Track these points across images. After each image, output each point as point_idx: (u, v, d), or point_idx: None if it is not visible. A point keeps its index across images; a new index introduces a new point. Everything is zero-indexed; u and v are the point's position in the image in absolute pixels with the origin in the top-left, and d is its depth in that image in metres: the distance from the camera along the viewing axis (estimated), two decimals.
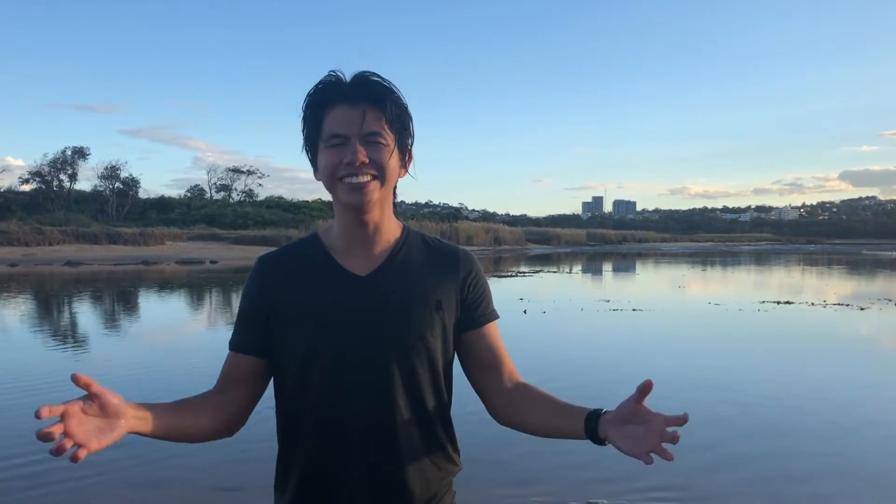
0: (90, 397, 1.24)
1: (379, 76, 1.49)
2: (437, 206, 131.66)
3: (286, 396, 1.55)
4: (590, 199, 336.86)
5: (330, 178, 1.47)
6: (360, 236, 1.53)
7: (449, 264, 1.59)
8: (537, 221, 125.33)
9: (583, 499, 4.62)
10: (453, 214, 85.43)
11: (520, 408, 1.58)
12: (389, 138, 1.47)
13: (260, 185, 78.01)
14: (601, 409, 1.42)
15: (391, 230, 1.57)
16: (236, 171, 76.57)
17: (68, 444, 1.17)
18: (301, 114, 1.51)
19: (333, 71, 1.48)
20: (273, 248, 1.71)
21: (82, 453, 1.18)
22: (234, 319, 1.62)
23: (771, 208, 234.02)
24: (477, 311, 1.60)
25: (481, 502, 4.56)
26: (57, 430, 1.16)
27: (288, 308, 1.52)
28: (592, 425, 1.41)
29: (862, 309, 16.09)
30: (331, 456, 1.49)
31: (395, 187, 1.55)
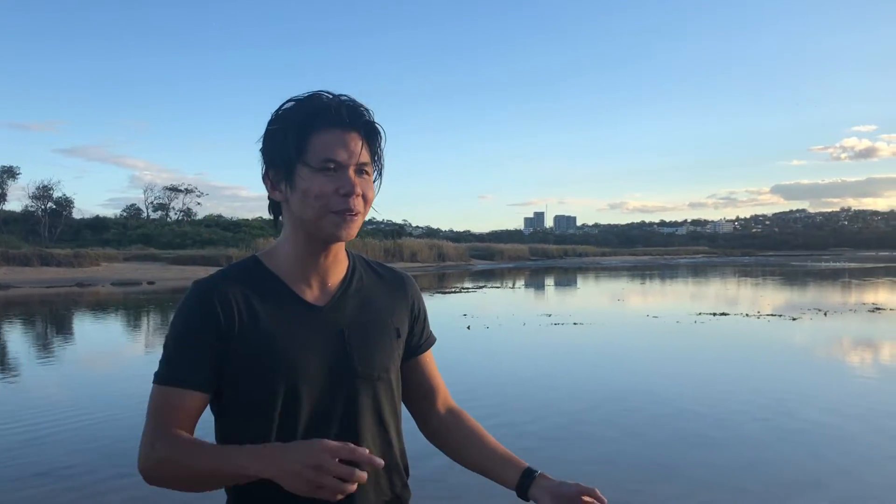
0: None
1: (358, 102, 1.40)
2: (381, 222, 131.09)
3: (240, 434, 1.38)
4: (531, 215, 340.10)
5: (323, 206, 1.35)
6: (322, 265, 1.45)
7: (398, 289, 1.57)
8: (481, 237, 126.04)
9: None
10: (397, 231, 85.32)
11: (453, 437, 1.62)
12: (371, 169, 1.41)
13: (199, 203, 76.91)
14: (536, 471, 1.50)
15: (343, 257, 1.51)
16: (174, 189, 75.19)
17: None
18: (271, 126, 1.39)
19: (322, 91, 1.39)
20: (210, 271, 1.52)
21: None
22: (166, 349, 1.41)
23: (706, 222, 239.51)
24: (422, 336, 1.61)
25: None
26: None
27: (242, 340, 1.38)
28: (526, 484, 1.49)
29: (794, 319, 16.60)
30: (294, 500, 1.29)
31: None
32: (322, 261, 1.45)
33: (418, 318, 1.59)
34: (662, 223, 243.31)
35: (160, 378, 1.39)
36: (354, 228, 1.39)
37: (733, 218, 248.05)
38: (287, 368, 1.38)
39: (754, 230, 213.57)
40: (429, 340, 1.64)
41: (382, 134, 1.43)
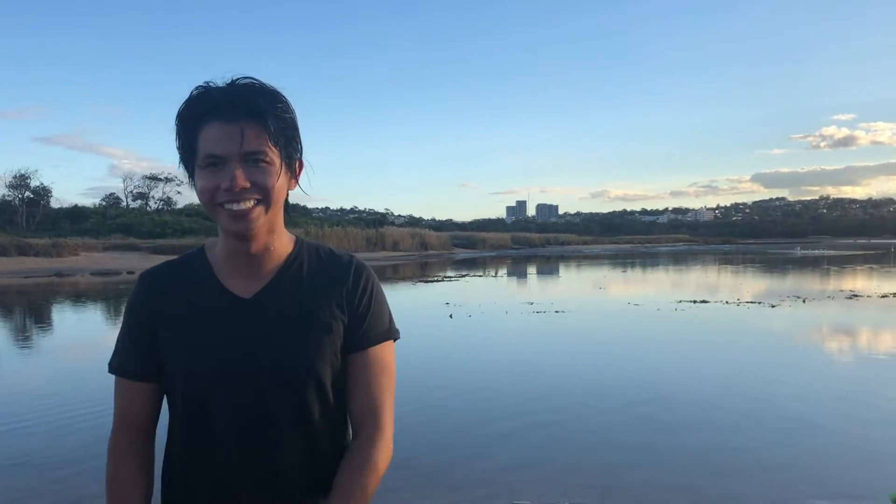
0: None
1: (258, 82, 1.33)
2: (363, 211, 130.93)
3: (171, 423, 1.45)
4: (514, 204, 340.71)
5: (209, 203, 1.33)
6: (246, 260, 1.40)
7: (339, 280, 1.43)
8: (463, 226, 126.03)
9: (507, 500, 4.68)
10: (379, 220, 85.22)
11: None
12: (274, 156, 1.32)
13: (179, 192, 76.01)
14: None
15: (282, 247, 1.43)
16: (154, 178, 74.50)
17: None
18: (174, 129, 1.36)
19: (207, 81, 1.34)
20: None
21: None
22: (117, 340, 1.49)
23: (687, 210, 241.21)
24: (359, 332, 1.43)
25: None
26: None
27: (167, 329, 1.41)
28: None
29: (773, 306, 16.77)
30: (193, 482, 1.41)
31: (286, 201, 1.42)
32: (245, 252, 1.39)
33: (357, 311, 1.42)
34: (644, 211, 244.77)
35: (109, 368, 1.48)
36: (251, 222, 1.32)
37: (714, 206, 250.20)
38: (196, 358, 1.38)
39: (734, 218, 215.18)
40: (366, 339, 1.43)
41: (278, 115, 1.33)
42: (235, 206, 1.31)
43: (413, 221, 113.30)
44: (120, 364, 1.46)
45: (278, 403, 1.37)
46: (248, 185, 1.30)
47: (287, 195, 1.41)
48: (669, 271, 37.18)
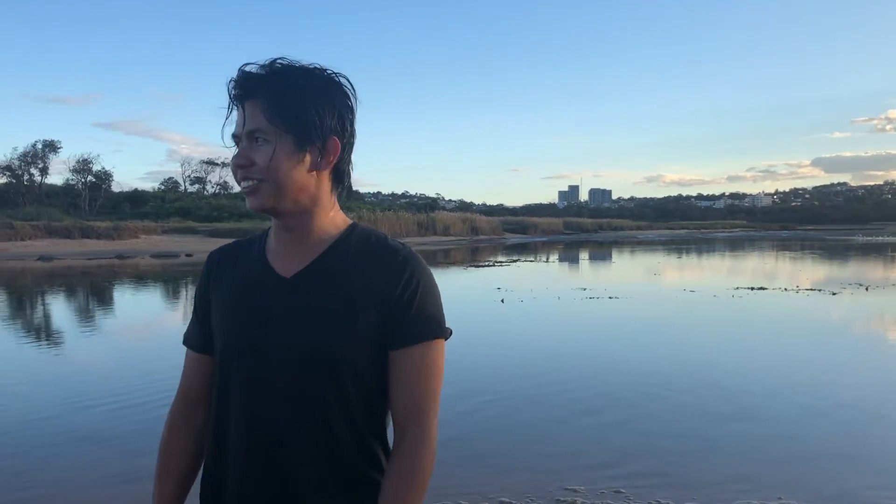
0: None
1: (269, 62, 1.34)
2: (414, 196, 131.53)
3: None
4: (566, 188, 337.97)
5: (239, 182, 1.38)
6: (286, 237, 1.41)
7: (382, 268, 1.37)
8: (514, 211, 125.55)
9: (559, 485, 4.67)
10: (430, 205, 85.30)
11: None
12: (272, 134, 1.31)
13: None
14: None
15: (328, 229, 1.41)
16: (211, 163, 75.94)
17: None
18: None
19: (243, 65, 1.36)
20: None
21: None
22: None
23: (745, 195, 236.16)
24: (402, 325, 1.36)
25: (457, 489, 4.60)
26: None
27: (217, 304, 1.46)
28: None
29: (834, 294, 16.34)
30: (222, 469, 1.43)
31: (342, 181, 1.42)
32: (287, 234, 1.41)
33: (399, 304, 1.35)
34: (700, 196, 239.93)
35: (183, 339, 1.58)
36: (256, 197, 1.35)
37: (772, 191, 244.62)
38: (230, 332, 1.42)
39: (794, 204, 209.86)
40: (409, 335, 1.36)
41: (273, 91, 1.32)
42: (241, 185, 1.36)
43: (464, 206, 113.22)
44: (186, 335, 1.56)
45: (292, 385, 1.35)
46: (244, 162, 1.34)
47: (320, 181, 1.38)
48: (726, 257, 36.50)
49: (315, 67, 1.36)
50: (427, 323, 1.37)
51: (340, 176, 1.41)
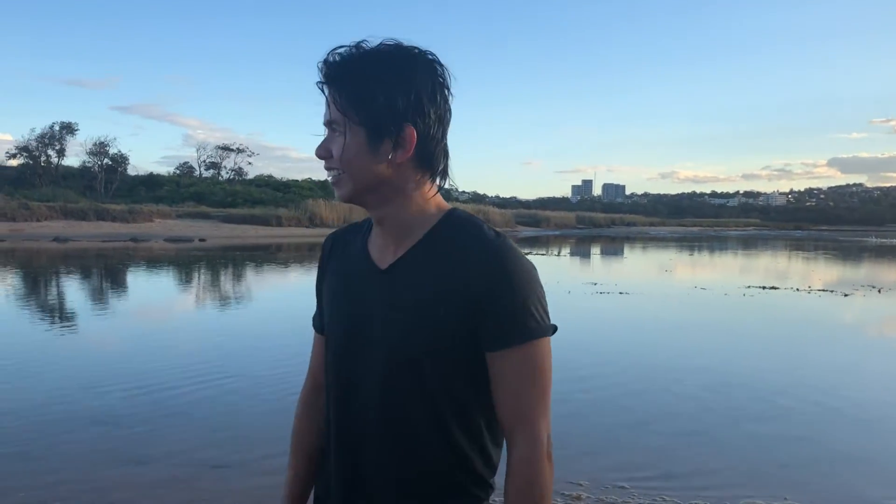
0: None
1: (348, 47, 1.29)
2: None
3: None
4: (579, 183, 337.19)
5: None
6: (382, 230, 1.38)
7: (472, 260, 1.27)
8: (527, 204, 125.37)
9: (562, 479, 4.69)
10: (443, 195, 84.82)
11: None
12: (345, 124, 1.28)
13: (250, 163, 77.73)
14: None
15: (419, 219, 1.34)
16: (226, 149, 76.02)
17: None
18: None
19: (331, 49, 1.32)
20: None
21: None
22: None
23: (759, 194, 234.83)
24: (494, 324, 1.26)
25: None
26: None
27: (326, 287, 1.48)
28: None
29: (846, 295, 16.26)
30: (329, 449, 1.43)
31: (430, 167, 1.33)
32: (379, 225, 1.38)
33: (486, 301, 1.25)
34: (714, 194, 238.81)
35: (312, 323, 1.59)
36: (339, 188, 1.33)
37: (787, 191, 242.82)
38: (332, 318, 1.43)
39: (808, 203, 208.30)
40: (503, 336, 1.26)
41: (346, 81, 1.28)
42: (326, 175, 1.36)
43: (477, 198, 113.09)
44: (313, 317, 1.57)
45: (378, 380, 1.32)
46: (324, 153, 1.33)
47: (413, 165, 1.32)
48: (738, 256, 36.33)
49: (395, 48, 1.29)
50: (523, 322, 1.26)
51: (427, 162, 1.32)
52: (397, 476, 1.32)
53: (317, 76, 1.31)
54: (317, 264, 1.56)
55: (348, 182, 1.32)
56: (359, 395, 1.35)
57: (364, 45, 1.29)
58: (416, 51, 1.30)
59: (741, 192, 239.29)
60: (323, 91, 1.31)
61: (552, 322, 1.33)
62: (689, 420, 6.20)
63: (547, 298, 1.33)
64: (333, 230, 1.56)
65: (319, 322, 1.53)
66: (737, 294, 16.06)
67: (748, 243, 52.49)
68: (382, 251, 1.37)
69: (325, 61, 1.29)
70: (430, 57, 1.31)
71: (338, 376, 1.39)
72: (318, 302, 1.54)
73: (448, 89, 1.33)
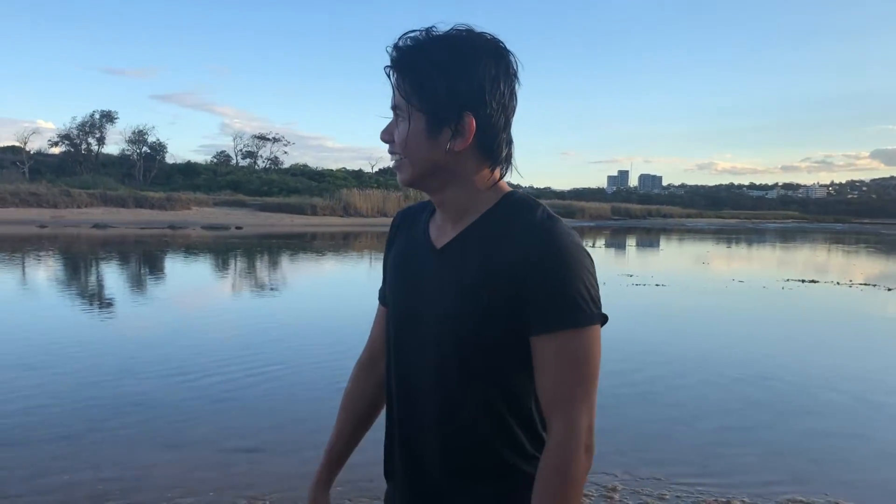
0: None
1: (414, 34, 1.29)
2: None
3: None
4: (615, 173, 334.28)
5: None
6: (441, 211, 1.39)
7: (518, 243, 1.26)
8: (562, 195, 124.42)
9: (599, 469, 4.65)
10: None
11: None
12: (407, 111, 1.29)
13: (285, 152, 78.31)
14: None
15: (477, 204, 1.34)
16: (262, 138, 76.73)
17: None
18: None
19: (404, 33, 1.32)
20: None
21: None
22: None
23: (799, 186, 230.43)
24: (537, 308, 1.24)
25: None
26: None
27: (389, 265, 1.52)
28: None
29: (889, 290, 15.93)
30: (390, 418, 1.48)
31: (491, 155, 1.32)
32: (439, 207, 1.40)
33: (529, 285, 1.23)
34: (752, 186, 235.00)
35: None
36: (400, 173, 1.36)
37: (828, 183, 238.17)
38: (393, 294, 1.47)
39: (850, 196, 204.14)
40: (544, 321, 1.24)
41: (408, 69, 1.29)
42: (390, 159, 1.39)
43: (511, 188, 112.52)
44: (379, 289, 1.60)
45: (429, 358, 1.35)
46: (387, 138, 1.36)
47: (474, 152, 1.31)
48: (777, 248, 35.79)
49: (461, 35, 1.28)
50: (566, 307, 1.23)
51: (488, 150, 1.32)
52: (445, 455, 1.34)
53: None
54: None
55: (408, 167, 1.34)
56: (413, 375, 1.38)
57: (433, 31, 1.28)
58: (484, 38, 1.29)
59: (780, 183, 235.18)
60: (389, 76, 1.32)
61: (603, 311, 1.29)
62: (728, 414, 6.12)
63: None
64: (403, 208, 1.57)
65: (383, 294, 1.56)
66: (775, 287, 15.80)
67: (787, 236, 51.67)
68: (441, 231, 1.39)
69: (395, 45, 1.30)
70: (496, 44, 1.30)
71: (397, 355, 1.42)
72: (383, 275, 1.57)
73: (515, 78, 1.32)
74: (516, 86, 1.33)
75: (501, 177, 1.36)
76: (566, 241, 1.26)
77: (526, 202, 1.34)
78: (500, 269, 1.26)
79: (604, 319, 1.29)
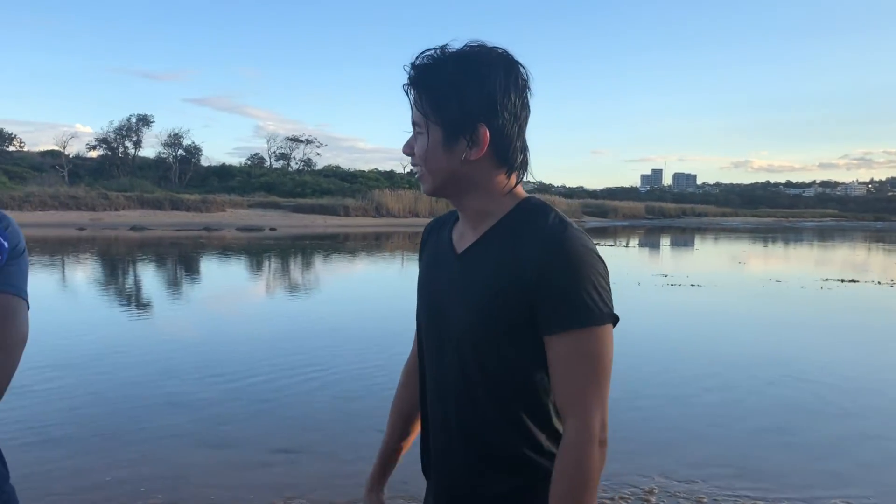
0: None
1: (429, 52, 1.36)
2: None
3: None
4: (649, 172, 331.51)
5: None
6: (463, 217, 1.47)
7: (530, 246, 1.32)
8: (594, 194, 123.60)
9: (635, 472, 4.63)
10: None
11: None
12: (425, 125, 1.37)
13: (318, 154, 78.69)
14: None
15: (495, 210, 1.40)
16: (295, 140, 77.26)
17: None
18: None
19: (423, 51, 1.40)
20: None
21: None
22: None
23: (837, 184, 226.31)
24: (548, 309, 1.30)
25: None
26: None
27: (420, 268, 1.59)
28: None
29: None
30: (424, 416, 1.55)
31: (507, 162, 1.38)
32: (461, 214, 1.48)
33: (540, 286, 1.29)
34: (789, 184, 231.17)
35: None
36: (423, 183, 1.43)
37: (867, 180, 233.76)
38: (420, 299, 1.54)
39: (890, 193, 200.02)
40: (554, 321, 1.29)
41: (423, 84, 1.36)
42: (413, 171, 1.48)
43: (542, 188, 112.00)
44: None
45: (453, 360, 1.41)
46: (408, 151, 1.43)
47: (490, 161, 1.37)
48: (814, 247, 35.23)
49: (473, 51, 1.35)
50: (576, 308, 1.28)
51: (503, 157, 1.38)
52: (468, 451, 1.41)
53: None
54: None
55: (429, 178, 1.41)
56: (440, 375, 1.45)
57: (447, 48, 1.36)
58: (495, 52, 1.36)
59: (818, 181, 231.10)
60: (408, 94, 1.40)
61: (615, 312, 1.35)
62: (766, 415, 6.04)
63: (615, 290, 1.36)
64: (430, 221, 1.65)
65: None
66: (814, 287, 15.56)
67: (825, 234, 50.83)
68: (462, 237, 1.46)
69: (412, 64, 1.37)
70: (506, 58, 1.37)
71: (427, 357, 1.50)
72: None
73: (526, 88, 1.39)
74: (528, 95, 1.40)
75: (518, 182, 1.43)
76: (576, 244, 1.31)
77: (540, 207, 1.40)
78: (513, 272, 1.32)
79: (615, 320, 1.34)
